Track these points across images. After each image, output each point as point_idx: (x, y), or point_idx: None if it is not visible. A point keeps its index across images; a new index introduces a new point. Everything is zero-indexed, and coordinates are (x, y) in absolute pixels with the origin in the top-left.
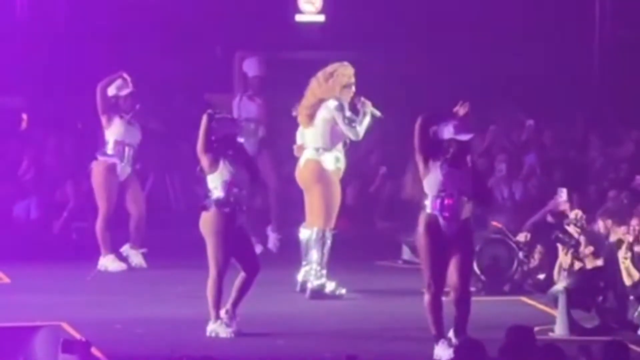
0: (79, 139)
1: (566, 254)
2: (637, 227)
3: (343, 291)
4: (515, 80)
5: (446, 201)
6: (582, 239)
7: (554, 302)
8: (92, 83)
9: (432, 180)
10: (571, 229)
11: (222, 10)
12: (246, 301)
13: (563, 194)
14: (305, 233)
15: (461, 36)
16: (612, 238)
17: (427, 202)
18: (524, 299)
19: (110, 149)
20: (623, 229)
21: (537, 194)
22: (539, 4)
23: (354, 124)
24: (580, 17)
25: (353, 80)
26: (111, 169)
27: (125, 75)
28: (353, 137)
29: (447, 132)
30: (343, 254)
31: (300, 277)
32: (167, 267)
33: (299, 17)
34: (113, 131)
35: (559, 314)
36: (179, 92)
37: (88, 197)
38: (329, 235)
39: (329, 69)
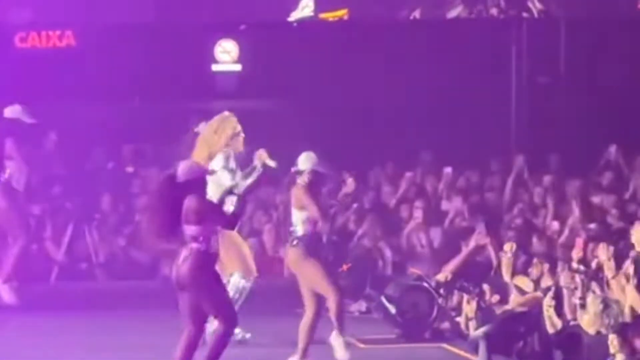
0: None
1: (469, 302)
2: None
3: (247, 336)
4: (429, 127)
5: None
6: (485, 287)
7: (474, 349)
8: None
9: None
10: (505, 261)
11: (140, 61)
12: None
13: (482, 228)
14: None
15: (375, 84)
16: (544, 283)
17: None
18: (445, 345)
19: None
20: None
21: (459, 239)
22: (453, 55)
23: (234, 177)
24: (496, 64)
25: (238, 128)
26: None
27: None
28: (234, 190)
29: None
30: (262, 301)
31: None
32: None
33: (215, 67)
34: None
35: None
36: (97, 142)
37: None
38: (247, 285)
39: (214, 124)
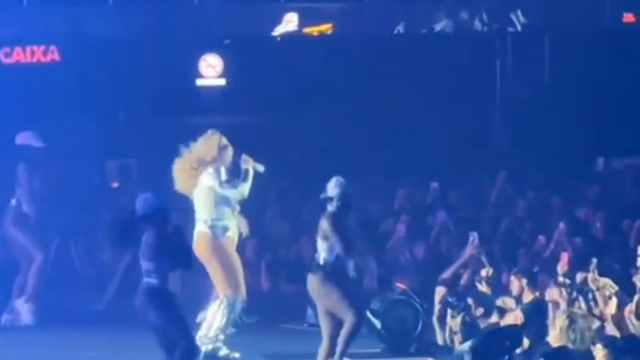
0: None
1: (454, 317)
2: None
3: (237, 355)
4: (414, 141)
5: None
6: (470, 301)
7: None
8: None
9: None
10: (483, 287)
11: (124, 75)
12: None
13: (474, 238)
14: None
15: (359, 98)
16: (526, 298)
17: None
18: (430, 359)
19: None
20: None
21: (446, 253)
22: (437, 69)
23: (234, 184)
24: (480, 79)
25: (224, 141)
26: None
27: None
28: (237, 197)
29: None
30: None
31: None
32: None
33: (200, 82)
34: None
35: None
36: (80, 157)
37: None
38: (238, 305)
39: (198, 145)
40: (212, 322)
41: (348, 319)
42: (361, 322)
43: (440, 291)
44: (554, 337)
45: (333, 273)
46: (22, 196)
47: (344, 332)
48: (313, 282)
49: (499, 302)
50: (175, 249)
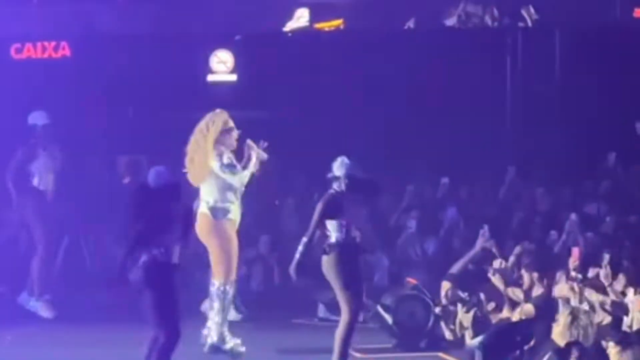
0: None
1: (467, 312)
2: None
3: (242, 349)
4: (425, 136)
5: None
6: (482, 296)
7: (470, 358)
8: None
9: None
10: (496, 279)
11: (135, 71)
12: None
13: (486, 231)
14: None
15: (371, 94)
16: (535, 291)
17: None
18: (441, 354)
19: None
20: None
21: (457, 248)
22: (449, 65)
23: (235, 170)
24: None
25: (231, 124)
26: None
27: None
28: (236, 184)
29: None
30: (258, 311)
31: (205, 331)
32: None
33: (211, 77)
34: None
35: None
36: (91, 153)
37: None
38: (229, 290)
39: (202, 122)
40: (211, 314)
41: (344, 316)
42: (356, 320)
43: (445, 285)
44: (557, 334)
45: (346, 251)
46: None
47: (339, 331)
48: (326, 262)
49: (509, 291)
50: (183, 224)
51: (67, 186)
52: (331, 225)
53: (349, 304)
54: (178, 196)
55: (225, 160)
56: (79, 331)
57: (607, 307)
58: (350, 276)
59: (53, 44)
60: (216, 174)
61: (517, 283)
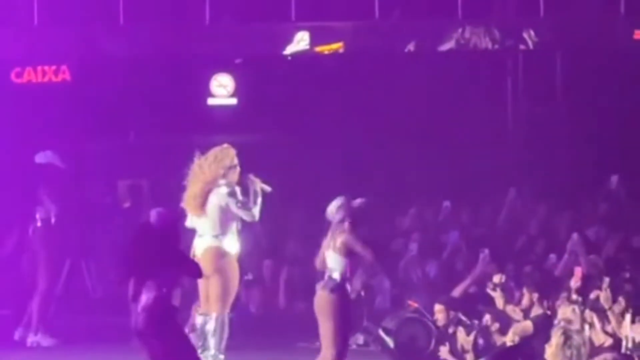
0: None
1: (468, 335)
2: None
3: None
4: (426, 159)
5: None
6: (488, 317)
7: None
8: None
9: None
10: (496, 294)
11: (136, 95)
12: None
13: (486, 255)
14: (200, 319)
15: (371, 117)
16: (534, 312)
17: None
18: None
19: None
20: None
21: (459, 272)
22: (449, 87)
23: (248, 206)
24: (491, 96)
25: (236, 161)
26: None
27: None
28: (249, 219)
29: None
30: (263, 335)
31: None
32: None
33: (211, 101)
34: None
35: None
36: (92, 177)
37: None
38: (226, 320)
39: (210, 155)
40: (208, 345)
41: (326, 356)
42: None
43: (440, 309)
44: (550, 354)
45: (343, 292)
46: (42, 214)
47: None
48: (326, 300)
49: (508, 309)
50: (186, 261)
51: (68, 211)
52: (338, 262)
53: (335, 346)
54: (178, 238)
55: (240, 198)
56: (82, 356)
57: (608, 329)
58: (347, 322)
59: (53, 67)
60: (223, 208)
61: (518, 301)
